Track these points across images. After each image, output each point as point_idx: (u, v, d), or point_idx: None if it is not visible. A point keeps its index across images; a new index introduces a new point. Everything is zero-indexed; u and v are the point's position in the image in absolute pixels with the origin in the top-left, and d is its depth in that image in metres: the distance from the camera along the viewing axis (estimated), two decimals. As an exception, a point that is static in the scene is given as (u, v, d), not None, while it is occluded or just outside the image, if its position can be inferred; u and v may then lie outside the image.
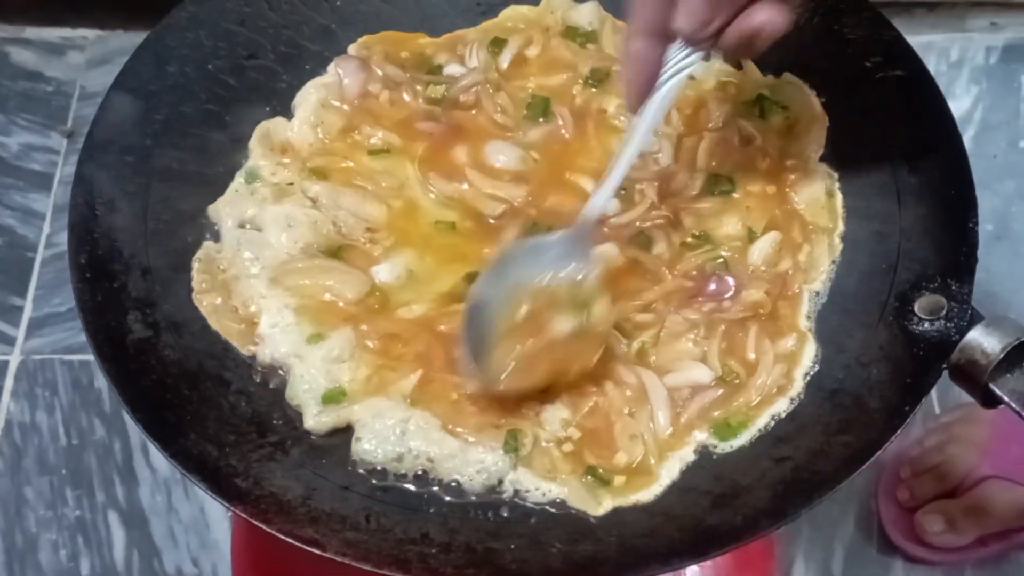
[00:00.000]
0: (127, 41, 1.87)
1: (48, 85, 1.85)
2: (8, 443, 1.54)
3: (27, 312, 1.65)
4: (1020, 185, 1.73)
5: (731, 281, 0.90)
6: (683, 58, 0.81)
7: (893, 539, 1.46)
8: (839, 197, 0.96)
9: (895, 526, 1.46)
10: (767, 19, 0.78)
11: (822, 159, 0.97)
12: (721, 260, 0.92)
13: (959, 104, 1.80)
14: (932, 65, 1.81)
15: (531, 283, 0.85)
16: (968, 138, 1.77)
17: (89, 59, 1.88)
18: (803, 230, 0.93)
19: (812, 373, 0.88)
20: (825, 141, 0.98)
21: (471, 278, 0.89)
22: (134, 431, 1.54)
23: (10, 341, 1.62)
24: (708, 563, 1.13)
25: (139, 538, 1.48)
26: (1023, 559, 1.46)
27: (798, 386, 0.87)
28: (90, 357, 1.55)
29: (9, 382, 1.59)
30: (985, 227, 1.69)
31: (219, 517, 1.49)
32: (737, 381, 0.87)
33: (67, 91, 1.84)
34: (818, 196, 0.95)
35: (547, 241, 0.87)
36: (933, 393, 1.55)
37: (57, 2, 1.88)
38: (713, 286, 0.91)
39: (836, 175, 0.97)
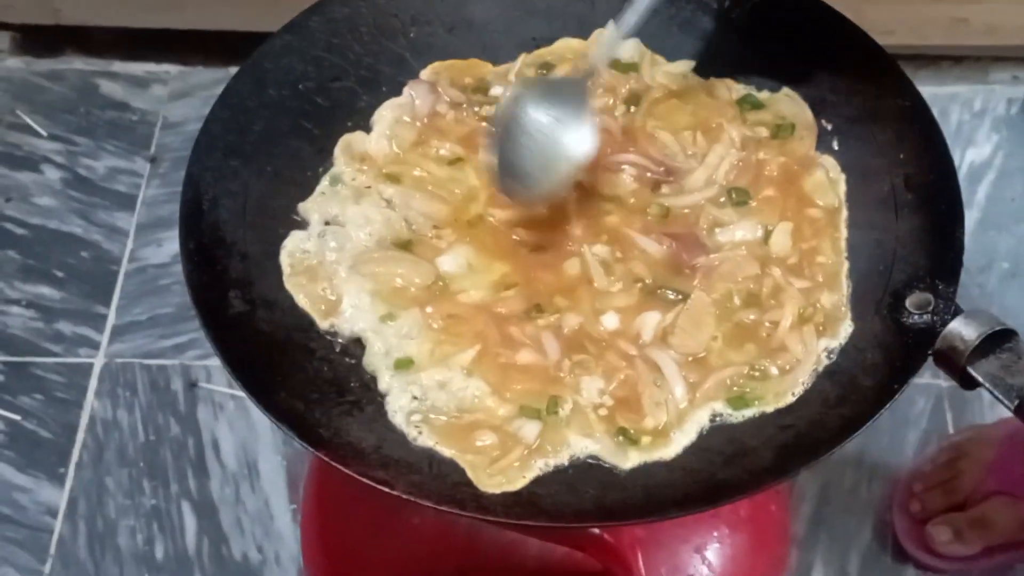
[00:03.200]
0: (206, 76, 1.98)
1: (133, 115, 1.95)
2: (92, 437, 1.63)
3: (111, 320, 1.74)
4: None
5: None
6: None
7: (906, 548, 1.53)
8: (840, 179, 1.05)
9: (907, 536, 1.53)
10: None
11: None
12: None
13: (980, 151, 1.87)
14: (956, 114, 1.88)
15: (547, 124, 1.00)
16: (988, 183, 1.84)
17: (171, 92, 1.98)
18: (812, 226, 1.01)
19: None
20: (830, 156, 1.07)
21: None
22: (206, 429, 1.64)
23: (95, 345, 1.71)
24: (727, 542, 1.19)
25: (209, 526, 1.56)
26: None
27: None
28: (167, 362, 1.68)
29: (94, 382, 1.68)
30: (1002, 265, 1.75)
31: (282, 510, 1.57)
32: (759, 375, 0.95)
33: (151, 120, 1.94)
34: (822, 179, 1.04)
35: (557, 84, 1.04)
36: (948, 415, 1.63)
37: (143, 39, 1.98)
38: (700, 260, 1.00)
39: (832, 159, 1.06)
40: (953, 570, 1.52)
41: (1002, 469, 1.49)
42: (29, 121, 1.94)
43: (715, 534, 1.19)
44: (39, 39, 2.01)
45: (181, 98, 1.97)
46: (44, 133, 1.93)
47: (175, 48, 2.00)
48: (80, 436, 1.65)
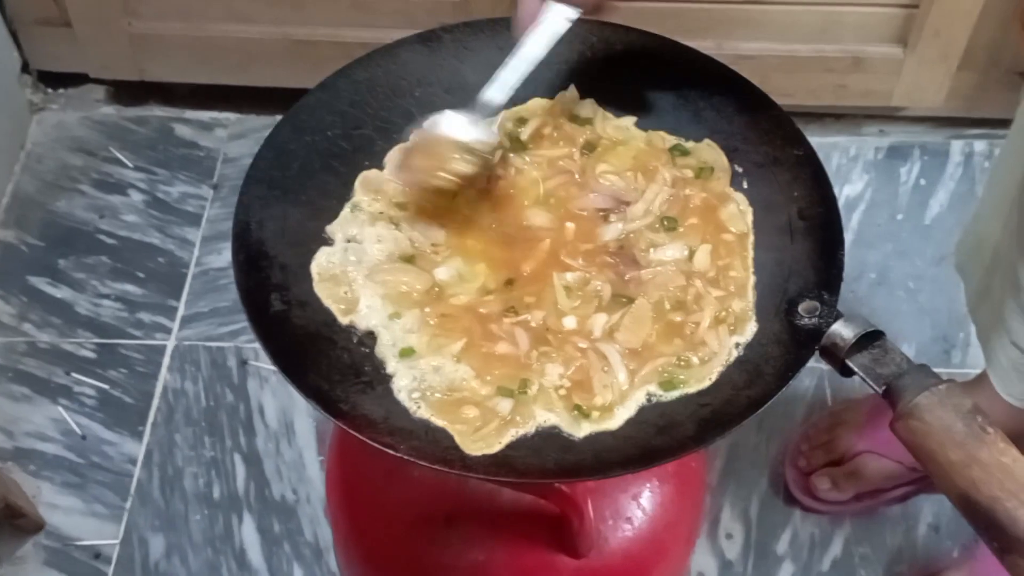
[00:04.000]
0: (259, 122, 1.96)
1: (200, 152, 1.94)
2: (165, 402, 1.63)
3: (180, 311, 1.74)
4: (896, 246, 1.81)
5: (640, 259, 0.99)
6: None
7: (794, 494, 1.54)
8: (748, 211, 1.03)
9: (796, 484, 1.54)
10: None
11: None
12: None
13: (855, 187, 1.88)
14: (836, 158, 1.90)
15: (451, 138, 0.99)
16: (860, 211, 1.85)
17: (230, 134, 1.97)
18: (726, 247, 1.00)
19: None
20: (741, 193, 1.05)
21: (508, 282, 0.99)
22: (254, 396, 1.64)
23: (168, 331, 1.71)
24: (657, 491, 1.18)
25: (255, 473, 1.57)
26: (887, 511, 1.54)
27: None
28: (224, 344, 1.67)
29: (167, 360, 1.68)
30: (870, 276, 1.77)
31: (313, 460, 1.58)
32: (683, 364, 0.94)
33: (214, 156, 1.93)
34: (734, 211, 1.03)
35: (461, 115, 1.00)
36: (827, 392, 1.63)
37: (209, 92, 1.98)
38: (632, 273, 0.98)
39: (743, 195, 1.04)
40: (830, 511, 1.54)
41: (869, 433, 1.50)
42: (119, 156, 1.93)
43: (648, 485, 1.18)
44: (128, 92, 2.00)
45: (238, 139, 1.96)
46: (131, 165, 1.92)
47: (234, 100, 1.99)
48: (155, 402, 1.64)
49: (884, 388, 0.85)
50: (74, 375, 1.67)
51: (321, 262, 1.00)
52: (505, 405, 0.90)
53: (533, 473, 0.87)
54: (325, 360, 0.93)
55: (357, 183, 1.06)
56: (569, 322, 0.96)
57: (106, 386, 1.66)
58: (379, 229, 1.02)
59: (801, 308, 0.93)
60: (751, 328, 0.96)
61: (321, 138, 1.06)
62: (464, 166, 0.99)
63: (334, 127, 1.07)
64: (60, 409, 1.63)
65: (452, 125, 0.99)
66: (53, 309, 1.74)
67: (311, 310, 0.96)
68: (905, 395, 0.83)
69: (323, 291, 0.98)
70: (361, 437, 0.85)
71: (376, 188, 1.05)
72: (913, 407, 0.82)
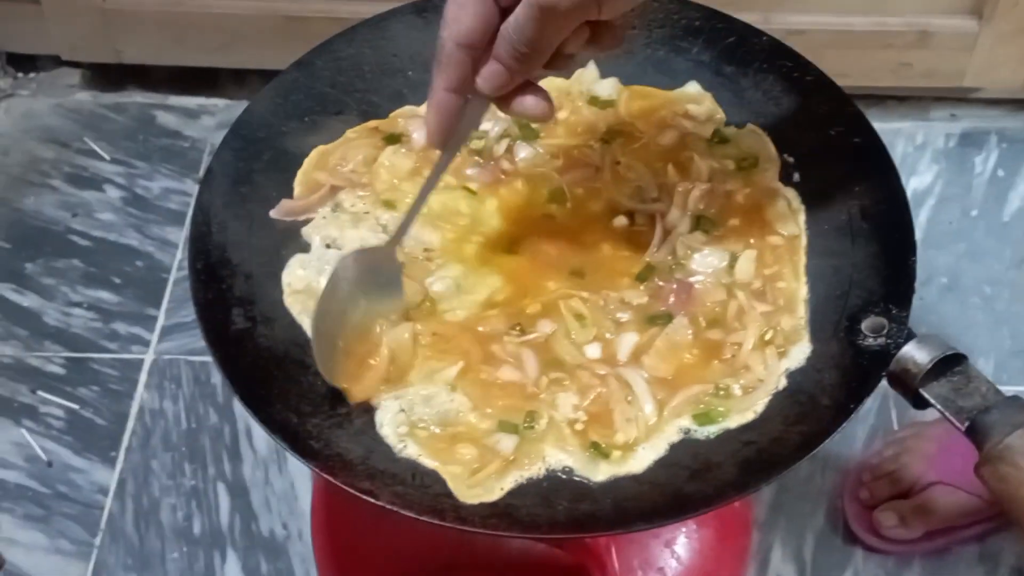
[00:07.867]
0: None
1: (185, 142, 1.88)
2: (140, 425, 1.57)
3: (160, 321, 1.67)
4: (969, 247, 1.72)
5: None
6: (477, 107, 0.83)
7: (855, 531, 1.46)
8: (800, 209, 0.96)
9: (857, 521, 1.46)
10: (533, 106, 0.81)
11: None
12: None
13: (922, 179, 1.80)
14: (900, 147, 1.82)
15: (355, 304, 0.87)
16: (928, 207, 1.76)
17: (218, 122, 1.91)
18: (774, 253, 0.93)
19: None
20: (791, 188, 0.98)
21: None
22: (241, 418, 1.56)
23: (146, 343, 1.64)
24: (695, 537, 1.12)
25: (241, 505, 1.49)
26: (963, 552, 1.45)
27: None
28: (208, 358, 1.58)
29: (144, 376, 1.61)
30: (940, 280, 1.68)
31: (305, 491, 1.50)
32: (723, 394, 0.86)
33: (200, 147, 1.87)
34: (783, 209, 0.96)
35: (369, 264, 0.88)
36: (892, 413, 1.55)
37: (194, 77, 1.92)
38: (674, 286, 0.91)
39: (793, 190, 0.97)
40: (897, 552, 1.45)
41: (942, 462, 1.42)
42: (95, 147, 1.88)
43: (683, 530, 1.12)
44: (105, 76, 1.95)
45: (226, 127, 1.88)
46: (107, 157, 1.87)
47: (221, 84, 1.94)
48: (130, 424, 1.58)
49: (967, 424, 0.78)
50: (40, 393, 1.61)
51: (294, 271, 0.93)
52: (507, 443, 0.83)
53: (540, 526, 0.79)
54: (295, 388, 0.86)
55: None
56: (592, 350, 0.89)
57: (76, 406, 1.59)
58: (363, 232, 0.95)
59: (864, 326, 0.86)
60: (804, 350, 0.88)
61: (297, 125, 1.01)
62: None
63: (312, 111, 1.02)
64: (24, 432, 1.57)
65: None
66: (18, 319, 1.68)
67: (280, 328, 0.90)
68: (993, 434, 0.76)
69: (295, 305, 0.91)
70: (335, 481, 0.78)
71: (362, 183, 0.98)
72: (1003, 449, 0.75)
